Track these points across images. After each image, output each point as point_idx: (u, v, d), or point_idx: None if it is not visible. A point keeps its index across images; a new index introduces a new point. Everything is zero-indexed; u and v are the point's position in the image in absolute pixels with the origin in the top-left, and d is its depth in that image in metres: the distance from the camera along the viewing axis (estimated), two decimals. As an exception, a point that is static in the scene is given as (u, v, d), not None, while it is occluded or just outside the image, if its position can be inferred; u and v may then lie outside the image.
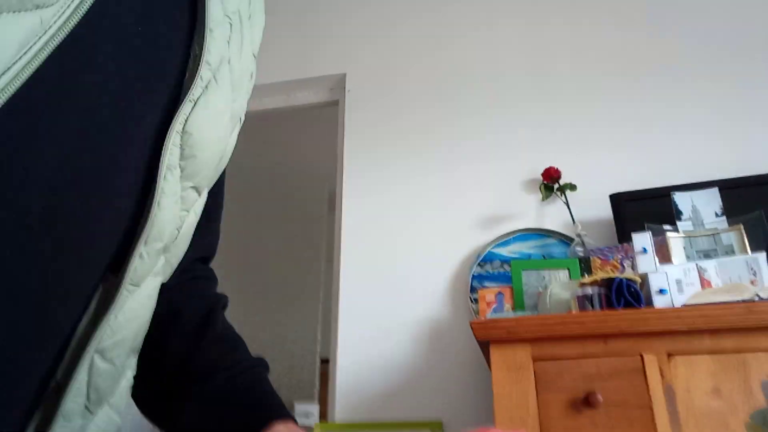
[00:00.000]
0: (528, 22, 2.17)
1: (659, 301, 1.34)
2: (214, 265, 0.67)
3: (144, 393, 0.55)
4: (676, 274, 1.41)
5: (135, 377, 0.52)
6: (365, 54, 2.28)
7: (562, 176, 1.83)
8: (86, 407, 0.43)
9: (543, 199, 1.87)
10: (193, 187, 0.48)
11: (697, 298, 1.33)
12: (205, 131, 0.47)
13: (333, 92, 2.37)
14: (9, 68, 0.29)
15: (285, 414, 0.54)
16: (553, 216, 1.86)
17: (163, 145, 0.44)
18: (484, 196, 1.94)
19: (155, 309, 0.51)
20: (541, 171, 1.86)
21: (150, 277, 0.46)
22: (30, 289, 0.36)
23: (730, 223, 1.58)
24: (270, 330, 2.16)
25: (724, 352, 1.19)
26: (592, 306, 1.36)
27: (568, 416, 1.17)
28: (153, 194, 0.44)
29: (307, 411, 1.81)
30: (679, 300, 1.35)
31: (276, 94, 2.32)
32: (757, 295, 1.28)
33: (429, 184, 2.01)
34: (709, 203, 1.64)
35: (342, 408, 1.72)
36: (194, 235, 0.54)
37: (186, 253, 0.54)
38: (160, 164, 0.44)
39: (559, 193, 1.83)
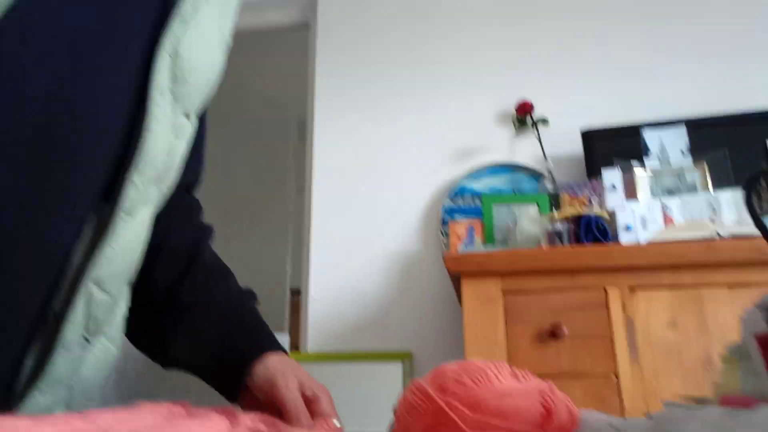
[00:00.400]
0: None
1: (625, 237, 1.38)
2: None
3: (135, 325, 0.54)
4: (641, 211, 1.45)
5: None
6: (338, -25, 2.17)
7: (534, 110, 1.83)
8: (84, 337, 0.43)
9: (516, 133, 1.87)
10: (184, 113, 0.46)
11: (660, 235, 1.38)
12: (196, 54, 0.44)
13: (304, 13, 2.27)
14: None
15: (276, 345, 0.54)
16: (525, 151, 1.87)
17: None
18: (457, 129, 1.93)
19: None
20: (514, 105, 1.85)
21: (143, 207, 0.45)
22: (20, 209, 0.35)
23: (695, 162, 1.63)
24: (239, 260, 2.16)
25: (682, 287, 1.25)
26: (561, 241, 1.40)
27: (535, 347, 1.23)
28: (144, 119, 0.42)
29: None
30: (643, 236, 1.39)
31: (244, 13, 2.21)
32: (717, 233, 1.33)
33: (402, 115, 1.98)
34: (676, 141, 1.67)
35: (314, 338, 1.76)
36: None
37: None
38: (150, 86, 0.42)
39: (531, 127, 1.83)
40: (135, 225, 0.44)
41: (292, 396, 0.48)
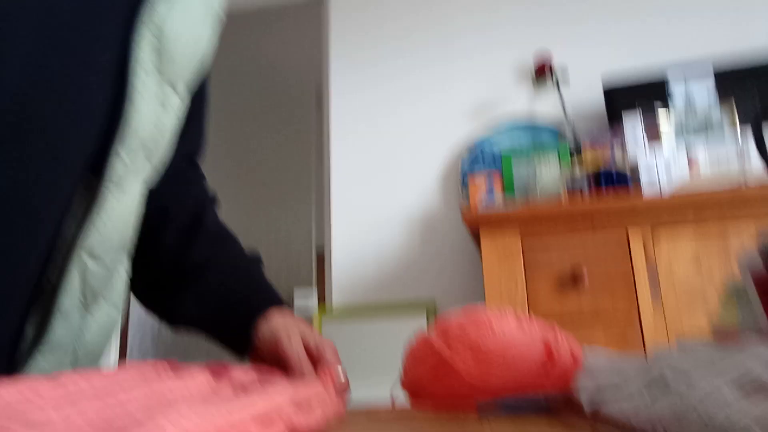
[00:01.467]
0: None
1: (647, 182, 1.34)
2: (206, 167, 0.66)
3: (143, 288, 0.57)
4: (665, 154, 1.41)
5: (134, 272, 0.54)
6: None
7: (553, 62, 1.79)
8: (82, 304, 0.45)
9: (535, 89, 1.83)
10: (171, 88, 0.47)
11: (684, 188, 1.33)
12: (180, 28, 0.45)
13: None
14: None
15: (281, 303, 0.56)
16: (545, 104, 1.83)
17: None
18: (475, 85, 1.90)
19: (146, 209, 0.52)
20: (533, 58, 1.81)
21: (133, 179, 0.46)
22: (9, 190, 0.36)
23: (722, 101, 1.56)
24: (265, 226, 2.22)
25: (706, 222, 1.21)
26: (581, 191, 1.38)
27: (555, 293, 1.23)
28: (126, 93, 0.43)
29: (306, 295, 1.94)
30: (666, 180, 1.35)
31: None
32: (744, 183, 1.28)
33: (418, 73, 1.96)
34: (702, 88, 1.61)
35: (339, 294, 1.80)
36: (179, 136, 0.54)
37: (173, 153, 0.54)
38: (131, 60, 0.43)
39: (552, 83, 1.79)
40: (125, 197, 0.45)
41: (294, 350, 0.50)
